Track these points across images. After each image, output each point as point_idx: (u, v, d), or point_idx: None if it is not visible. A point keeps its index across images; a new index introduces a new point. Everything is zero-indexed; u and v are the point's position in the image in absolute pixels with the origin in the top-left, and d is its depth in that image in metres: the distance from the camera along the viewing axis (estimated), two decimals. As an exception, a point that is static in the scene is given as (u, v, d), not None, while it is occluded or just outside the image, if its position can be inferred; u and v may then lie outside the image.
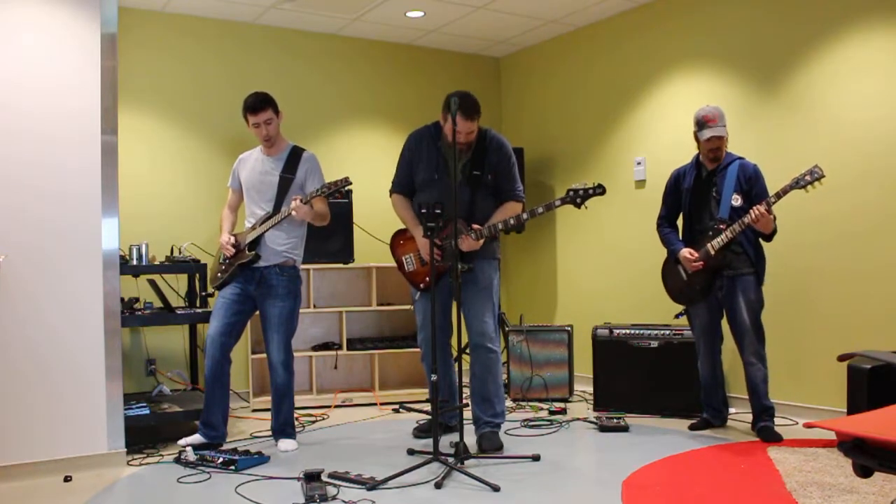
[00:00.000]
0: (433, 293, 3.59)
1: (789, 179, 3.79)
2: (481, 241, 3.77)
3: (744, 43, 4.79)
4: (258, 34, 5.64)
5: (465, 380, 4.13)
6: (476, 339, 3.87)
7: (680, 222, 4.31)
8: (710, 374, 4.22)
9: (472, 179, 3.85)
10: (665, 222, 4.33)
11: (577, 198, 3.71)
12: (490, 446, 3.77)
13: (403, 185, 4.06)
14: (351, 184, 3.83)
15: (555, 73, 6.14)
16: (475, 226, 3.80)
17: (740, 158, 4.09)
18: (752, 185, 4.01)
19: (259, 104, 3.93)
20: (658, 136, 5.32)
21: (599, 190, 3.72)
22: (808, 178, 3.73)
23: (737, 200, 4.00)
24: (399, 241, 4.11)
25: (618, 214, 5.58)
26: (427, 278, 3.92)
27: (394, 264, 5.42)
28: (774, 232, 3.94)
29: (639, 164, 5.43)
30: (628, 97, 5.53)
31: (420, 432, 4.21)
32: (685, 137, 4.95)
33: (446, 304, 3.98)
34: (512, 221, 3.80)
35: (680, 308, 4.34)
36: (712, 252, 3.97)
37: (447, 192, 3.76)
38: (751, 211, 3.80)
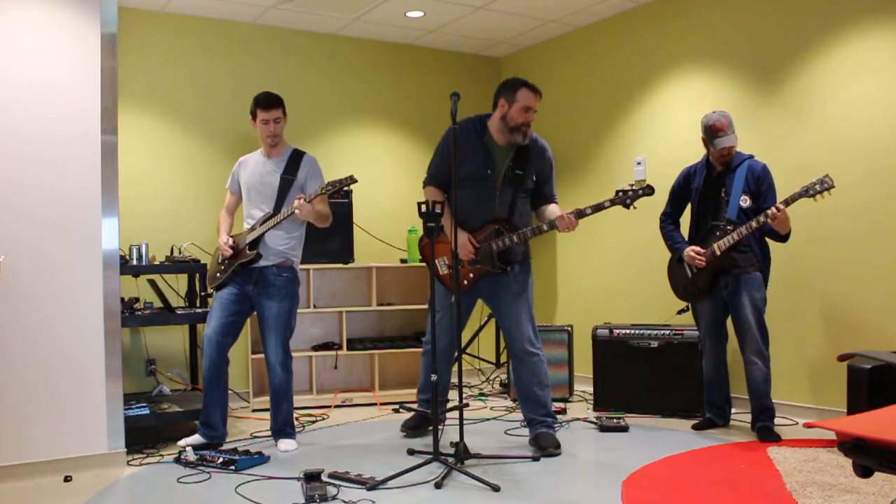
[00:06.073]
0: (457, 298, 3.49)
1: (794, 185, 3.80)
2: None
3: (744, 43, 4.79)
4: (258, 34, 5.64)
5: (466, 380, 4.13)
6: (517, 347, 3.86)
7: (685, 221, 4.31)
8: (713, 371, 4.23)
9: (515, 179, 3.81)
10: (669, 219, 4.34)
11: (627, 199, 3.68)
12: (549, 444, 3.76)
13: (441, 177, 3.90)
14: (356, 181, 3.82)
15: (555, 73, 6.13)
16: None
17: (750, 157, 4.09)
18: (759, 185, 4.01)
19: (272, 101, 3.99)
20: (658, 136, 5.32)
21: (648, 191, 3.68)
22: (817, 186, 3.73)
23: (745, 202, 4.00)
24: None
25: (618, 214, 5.53)
26: (464, 282, 3.85)
27: (394, 264, 5.50)
28: (789, 233, 3.94)
29: (639, 163, 5.43)
30: (628, 97, 5.53)
31: (407, 429, 4.19)
32: (685, 137, 4.97)
33: (468, 310, 4.00)
34: (557, 225, 3.72)
35: (683, 304, 4.35)
36: (718, 252, 3.98)
37: (490, 193, 3.77)
38: (769, 210, 3.79)
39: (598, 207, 3.71)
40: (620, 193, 3.69)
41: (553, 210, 3.90)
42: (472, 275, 3.85)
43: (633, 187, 3.68)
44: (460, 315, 3.69)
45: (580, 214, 3.69)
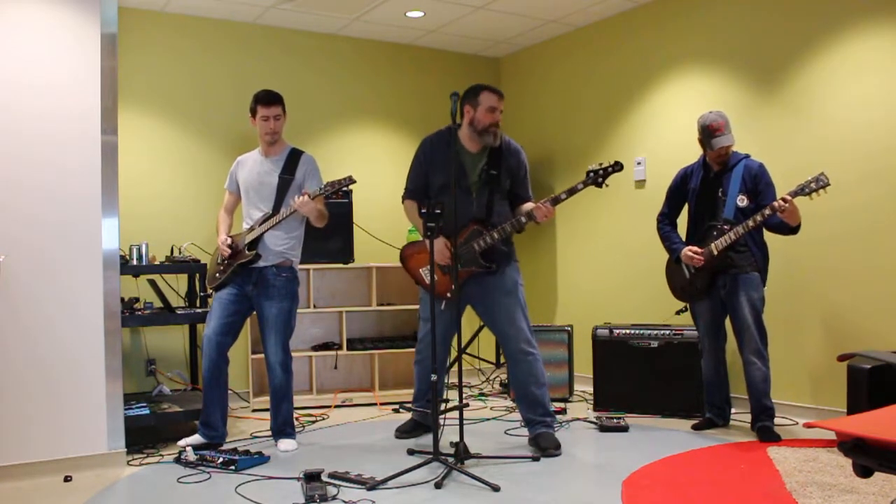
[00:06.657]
0: (456, 294, 3.53)
1: (794, 185, 3.79)
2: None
3: (744, 43, 4.79)
4: (258, 34, 5.64)
5: (466, 380, 4.13)
6: (513, 346, 3.87)
7: (682, 221, 4.31)
8: (713, 371, 4.23)
9: (490, 180, 3.84)
10: (666, 220, 4.33)
11: (599, 177, 3.73)
12: (549, 444, 3.75)
13: (418, 190, 4.00)
14: (355, 182, 3.83)
15: (555, 73, 6.14)
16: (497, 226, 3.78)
17: (746, 157, 4.09)
18: (756, 183, 4.00)
19: (272, 97, 4.00)
20: (658, 136, 5.32)
21: (618, 167, 3.73)
22: (813, 185, 3.72)
23: (742, 201, 4.00)
24: (411, 253, 4.04)
25: (618, 214, 5.58)
26: (453, 286, 3.81)
27: (394, 264, 5.46)
28: (799, 225, 3.89)
29: (639, 164, 5.43)
30: (628, 97, 5.53)
31: (401, 433, 4.19)
32: (685, 137, 4.96)
33: (459, 316, 3.97)
34: (534, 215, 3.76)
35: (682, 305, 4.35)
36: (715, 252, 3.97)
37: (466, 197, 3.81)
38: (775, 202, 3.76)
39: (571, 191, 3.75)
40: (591, 174, 3.75)
41: (529, 206, 3.93)
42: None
43: (602, 165, 3.75)
44: (458, 309, 3.71)
45: (556, 201, 3.74)
